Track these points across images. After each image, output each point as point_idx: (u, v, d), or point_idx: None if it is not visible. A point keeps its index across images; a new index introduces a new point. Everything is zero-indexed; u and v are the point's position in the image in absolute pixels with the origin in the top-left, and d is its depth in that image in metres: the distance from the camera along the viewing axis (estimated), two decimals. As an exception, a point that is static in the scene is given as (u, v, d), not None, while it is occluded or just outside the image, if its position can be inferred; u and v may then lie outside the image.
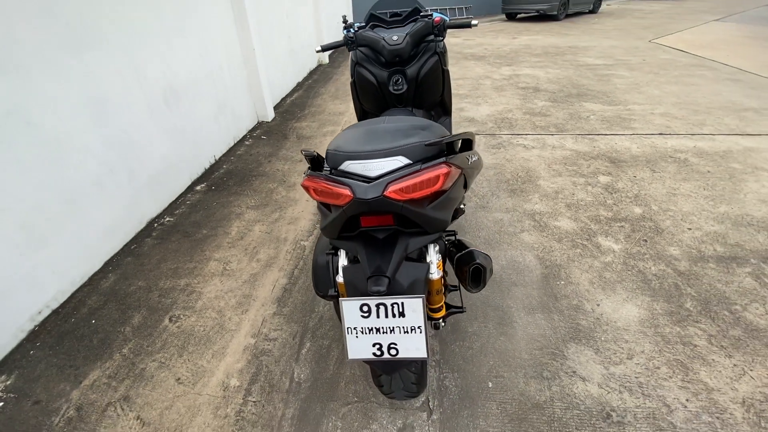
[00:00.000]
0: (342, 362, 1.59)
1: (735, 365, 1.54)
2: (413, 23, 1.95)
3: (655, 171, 2.96)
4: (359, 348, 1.04)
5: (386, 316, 1.01)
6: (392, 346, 1.02)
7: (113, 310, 1.85)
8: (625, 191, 2.71)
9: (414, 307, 0.99)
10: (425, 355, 1.02)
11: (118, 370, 1.58)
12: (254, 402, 1.46)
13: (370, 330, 1.02)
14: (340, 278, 1.14)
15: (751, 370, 1.51)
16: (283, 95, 5.03)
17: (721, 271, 1.99)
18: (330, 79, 5.89)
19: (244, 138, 3.79)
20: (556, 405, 1.42)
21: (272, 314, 1.83)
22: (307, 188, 1.05)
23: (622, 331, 1.69)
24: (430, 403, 1.43)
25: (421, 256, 1.17)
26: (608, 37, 8.37)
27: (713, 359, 1.56)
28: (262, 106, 4.10)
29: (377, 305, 1.00)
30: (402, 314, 1.00)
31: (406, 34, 1.84)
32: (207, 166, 3.16)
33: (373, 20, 2.05)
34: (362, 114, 2.24)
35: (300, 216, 2.57)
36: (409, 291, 1.05)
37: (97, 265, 2.09)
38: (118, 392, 1.49)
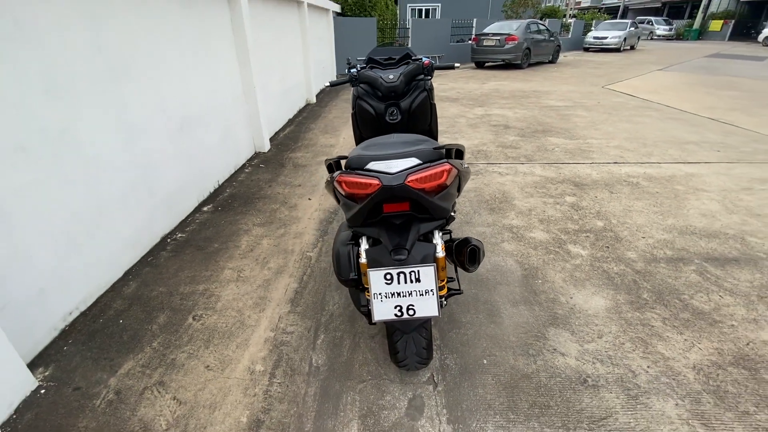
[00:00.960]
0: (355, 348, 1.79)
1: (686, 340, 1.85)
2: (406, 65, 2.35)
3: (613, 192, 3.40)
4: (383, 310, 1.28)
5: (405, 282, 1.26)
6: (410, 307, 1.27)
7: (139, 312, 2.00)
8: (588, 208, 3.12)
9: (427, 273, 1.26)
10: (437, 313, 1.27)
11: (150, 360, 1.72)
12: (279, 383, 1.63)
13: (392, 294, 1.27)
14: (362, 259, 1.40)
15: (699, 343, 1.82)
16: (277, 129, 5.37)
17: (671, 269, 2.35)
18: (319, 117, 6.32)
19: (243, 166, 4.05)
20: (541, 375, 1.67)
21: (287, 312, 2.03)
22: (340, 183, 1.33)
23: (592, 317, 1.99)
24: (435, 378, 1.65)
25: (428, 240, 1.45)
26: (567, 83, 9.34)
27: (668, 336, 1.87)
28: (260, 138, 4.41)
29: (398, 273, 1.26)
30: (418, 279, 1.26)
31: (400, 74, 2.22)
32: (212, 189, 3.38)
33: (372, 62, 2.45)
34: (360, 141, 2.57)
35: (304, 231, 2.81)
36: (422, 263, 1.32)
37: (119, 274, 2.24)
38: (153, 378, 1.63)
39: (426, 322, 1.47)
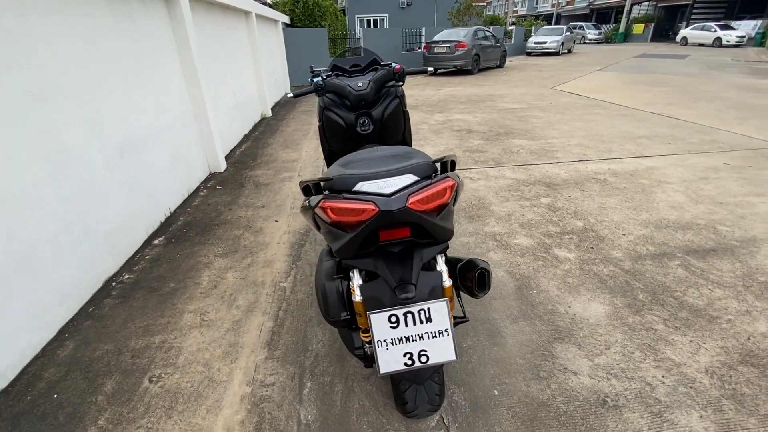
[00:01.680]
0: (349, 395, 1.56)
1: (691, 341, 1.78)
2: (374, 71, 2.17)
3: (584, 191, 3.41)
4: (391, 360, 1.07)
5: (414, 324, 1.06)
6: (422, 352, 1.07)
7: (79, 380, 1.63)
8: (565, 209, 3.08)
9: (439, 310, 1.06)
10: (454, 357, 1.08)
11: (96, 445, 1.38)
12: (264, 452, 1.36)
13: (400, 340, 1.06)
14: (357, 297, 1.18)
15: (704, 344, 1.76)
16: (233, 146, 5.01)
17: (657, 266, 2.33)
18: (276, 131, 6.00)
19: (198, 189, 3.67)
20: (558, 400, 1.52)
21: (264, 359, 1.75)
22: (325, 210, 1.11)
23: (595, 327, 1.88)
24: (445, 420, 1.45)
25: (431, 267, 1.26)
26: (517, 87, 9.65)
27: (673, 339, 1.80)
28: (215, 157, 4.04)
29: (405, 314, 1.06)
30: (429, 319, 1.06)
31: (370, 81, 2.04)
32: (162, 219, 2.99)
33: (337, 70, 2.25)
34: (330, 154, 2.35)
35: (274, 258, 2.53)
36: (430, 298, 1.12)
37: (51, 333, 1.84)
38: (101, 469, 1.30)
39: (440, 367, 1.27)
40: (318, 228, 1.36)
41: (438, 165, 1.26)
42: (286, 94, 2.25)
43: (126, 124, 2.60)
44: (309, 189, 1.31)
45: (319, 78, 2.17)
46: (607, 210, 3.04)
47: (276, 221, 3.03)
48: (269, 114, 7.17)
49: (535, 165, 4.09)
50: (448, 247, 1.27)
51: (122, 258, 2.45)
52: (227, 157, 4.59)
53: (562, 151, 4.50)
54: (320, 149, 4.91)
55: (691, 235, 2.65)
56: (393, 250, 1.16)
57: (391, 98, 2.16)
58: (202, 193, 3.60)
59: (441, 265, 1.21)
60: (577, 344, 1.79)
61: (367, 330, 1.30)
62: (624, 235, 2.68)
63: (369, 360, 1.36)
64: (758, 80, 9.39)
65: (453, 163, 1.45)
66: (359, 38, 13.89)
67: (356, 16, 21.84)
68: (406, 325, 1.06)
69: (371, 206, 1.02)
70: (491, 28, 15.99)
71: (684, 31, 22.48)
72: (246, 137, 5.63)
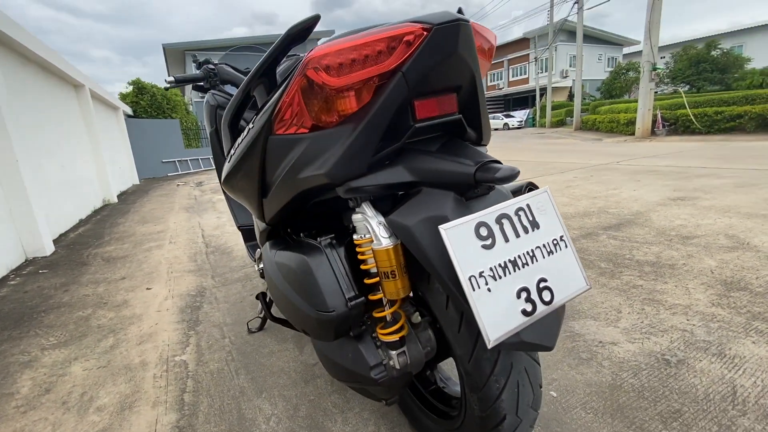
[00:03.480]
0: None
1: (676, 286, 1.69)
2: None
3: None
4: (500, 311, 0.56)
5: (516, 234, 0.60)
6: (543, 284, 0.60)
7: None
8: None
9: (544, 206, 0.64)
10: (586, 283, 0.64)
11: None
12: None
13: (504, 267, 0.58)
14: (383, 241, 0.67)
15: (688, 285, 1.69)
16: (64, 230, 3.71)
17: (593, 242, 2.34)
18: (128, 212, 4.82)
19: (5, 278, 2.42)
20: (624, 377, 1.15)
21: (173, 476, 0.92)
22: (320, 67, 0.61)
23: (589, 298, 1.65)
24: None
25: None
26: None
27: (661, 288, 1.68)
28: (35, 239, 2.84)
29: (499, 218, 0.60)
30: (535, 224, 0.62)
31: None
32: (-72, 323, 1.77)
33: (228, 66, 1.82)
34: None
35: (155, 330, 1.65)
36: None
37: None
38: None
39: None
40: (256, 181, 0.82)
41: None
42: (171, 77, 1.69)
43: None
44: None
45: (211, 65, 1.70)
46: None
47: (148, 289, 2.12)
48: (114, 200, 5.85)
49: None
50: None
51: None
52: (56, 241, 3.33)
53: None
54: (191, 220, 4.06)
55: (595, 219, 2.84)
56: (430, 148, 0.71)
57: None
58: (13, 282, 2.37)
59: None
60: (591, 317, 1.50)
61: (386, 322, 0.76)
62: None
63: (395, 385, 0.79)
64: (546, 139, 12.42)
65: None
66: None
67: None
68: (506, 240, 0.59)
69: (416, 26, 0.58)
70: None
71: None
72: (83, 221, 4.33)
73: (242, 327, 1.62)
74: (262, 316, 1.60)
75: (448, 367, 1.12)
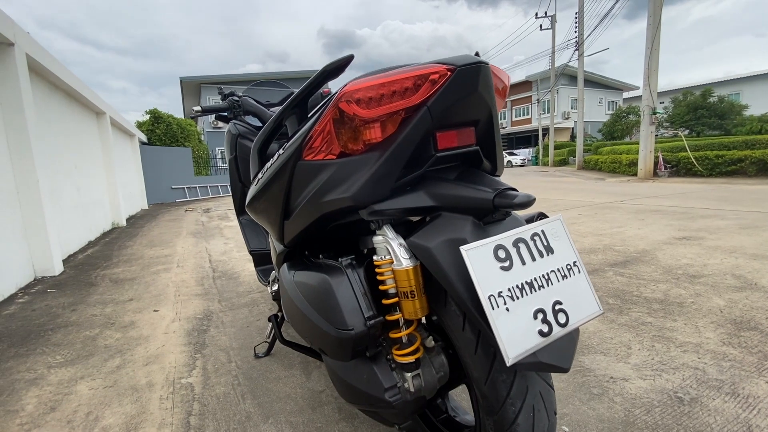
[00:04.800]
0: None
1: (686, 324, 1.68)
2: None
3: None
4: (518, 330, 0.58)
5: (533, 258, 0.64)
6: (558, 306, 0.62)
7: None
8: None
9: (558, 233, 0.68)
10: (599, 308, 0.67)
11: None
12: None
13: (521, 288, 0.61)
14: (403, 262, 0.70)
15: (698, 323, 1.68)
16: (73, 251, 3.76)
17: (600, 278, 2.34)
18: (136, 236, 4.88)
19: (13, 296, 2.44)
20: (636, 413, 1.13)
21: (177, 500, 0.91)
22: (351, 101, 0.67)
23: (599, 333, 1.64)
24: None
25: None
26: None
27: (671, 326, 1.67)
28: (45, 258, 2.88)
29: (516, 242, 0.63)
30: (549, 249, 0.66)
31: None
32: (-64, 337, 1.77)
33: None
34: (242, 192, 1.87)
35: (162, 352, 1.65)
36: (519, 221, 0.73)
37: None
38: None
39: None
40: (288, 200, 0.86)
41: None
42: (198, 107, 1.78)
43: None
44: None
45: (236, 97, 1.81)
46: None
47: (156, 311, 2.13)
48: (123, 223, 5.93)
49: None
50: None
51: None
52: (65, 261, 3.36)
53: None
54: (199, 245, 4.09)
55: (601, 255, 2.85)
56: (449, 176, 0.75)
57: None
58: (21, 300, 2.38)
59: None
60: (601, 352, 1.49)
61: (402, 343, 0.78)
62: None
63: (408, 409, 0.79)
64: (549, 177, 12.61)
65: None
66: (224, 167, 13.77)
67: (217, 148, 22.02)
68: (523, 263, 0.62)
69: (441, 67, 0.65)
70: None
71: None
72: (92, 243, 4.38)
73: (249, 351, 1.62)
74: (269, 340, 1.60)
75: (459, 397, 1.11)
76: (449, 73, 0.65)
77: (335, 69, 0.75)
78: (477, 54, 0.83)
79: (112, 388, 1.38)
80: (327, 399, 1.28)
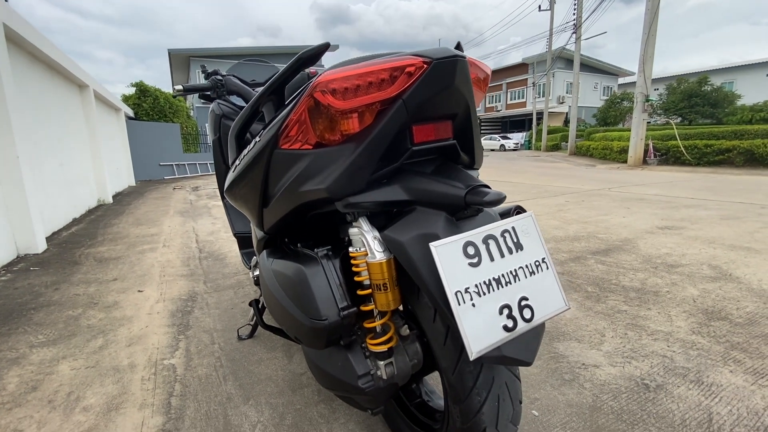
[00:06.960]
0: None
1: (659, 313, 1.74)
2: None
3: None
4: (482, 325, 0.60)
5: (501, 255, 0.65)
6: (524, 302, 0.64)
7: None
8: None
9: (528, 230, 0.68)
10: (566, 304, 0.68)
11: None
12: None
13: (488, 285, 0.62)
14: (377, 255, 0.71)
15: (670, 312, 1.73)
16: (57, 228, 3.70)
17: (581, 266, 2.39)
18: (122, 213, 4.82)
19: (-6, 274, 2.41)
20: (604, 398, 1.18)
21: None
22: (326, 91, 0.66)
23: (575, 321, 1.69)
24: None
25: None
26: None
27: (645, 314, 1.73)
28: (28, 236, 2.84)
29: (485, 240, 0.64)
30: (519, 245, 0.67)
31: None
32: None
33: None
34: (227, 174, 1.84)
35: (145, 333, 1.66)
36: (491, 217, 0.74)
37: None
38: None
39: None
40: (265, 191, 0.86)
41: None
42: (179, 86, 1.74)
43: None
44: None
45: (219, 76, 1.76)
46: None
47: (140, 291, 2.12)
48: (109, 200, 5.84)
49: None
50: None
51: None
52: (49, 239, 3.32)
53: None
54: (186, 225, 4.06)
55: (584, 243, 2.90)
56: (425, 170, 0.75)
57: None
58: (2, 278, 2.36)
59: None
60: (575, 339, 1.54)
61: (375, 333, 0.79)
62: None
63: (381, 395, 0.82)
64: (540, 163, 12.63)
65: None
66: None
67: (205, 124, 21.54)
68: (492, 259, 0.63)
69: (417, 59, 0.63)
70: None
71: (480, 140, 29.04)
72: (77, 220, 4.32)
73: (232, 333, 1.64)
74: (252, 323, 1.62)
75: (434, 381, 1.15)
76: (425, 66, 0.64)
77: (311, 57, 0.73)
78: (458, 45, 0.82)
79: (93, 368, 1.40)
80: (307, 381, 1.31)
